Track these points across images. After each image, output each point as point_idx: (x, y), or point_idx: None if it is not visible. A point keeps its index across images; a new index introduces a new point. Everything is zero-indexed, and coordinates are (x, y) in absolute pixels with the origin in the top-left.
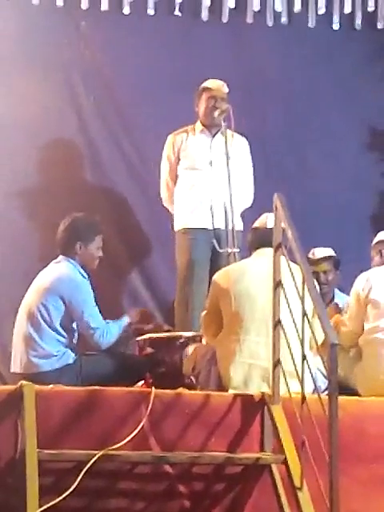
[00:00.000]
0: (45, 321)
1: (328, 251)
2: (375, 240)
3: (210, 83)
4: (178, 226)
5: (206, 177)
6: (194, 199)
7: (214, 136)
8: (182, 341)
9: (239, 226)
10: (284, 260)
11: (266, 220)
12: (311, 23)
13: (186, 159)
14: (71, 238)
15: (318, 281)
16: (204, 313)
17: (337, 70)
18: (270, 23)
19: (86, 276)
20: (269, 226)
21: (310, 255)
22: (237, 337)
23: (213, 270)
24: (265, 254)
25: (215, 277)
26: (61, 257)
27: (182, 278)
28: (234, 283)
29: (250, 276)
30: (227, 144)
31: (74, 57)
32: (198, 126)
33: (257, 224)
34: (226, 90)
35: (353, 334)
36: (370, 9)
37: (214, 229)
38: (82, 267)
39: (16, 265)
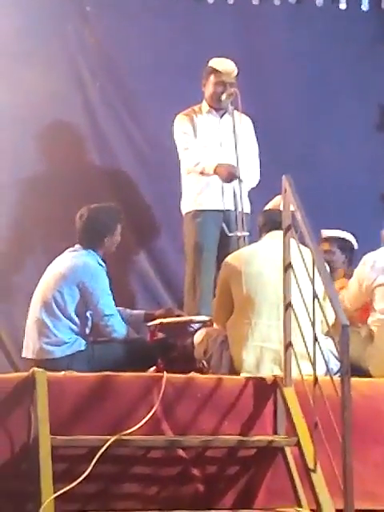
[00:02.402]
0: (59, 308)
1: (335, 232)
2: None
3: (220, 65)
4: (186, 208)
5: (217, 156)
6: (203, 180)
7: (221, 116)
8: (195, 327)
9: (247, 208)
10: (294, 242)
11: (280, 202)
12: (319, 2)
13: (196, 140)
14: (96, 233)
15: None
16: (216, 297)
17: (345, 51)
18: (277, 2)
19: (104, 265)
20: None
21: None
22: (248, 320)
23: (221, 253)
24: (277, 237)
25: (225, 261)
26: (77, 245)
27: (190, 262)
28: (245, 267)
29: (262, 259)
30: (235, 126)
31: (79, 43)
32: (205, 106)
33: (269, 206)
34: (236, 72)
35: (348, 312)
36: None
37: (224, 210)
38: (100, 257)
39: (26, 253)
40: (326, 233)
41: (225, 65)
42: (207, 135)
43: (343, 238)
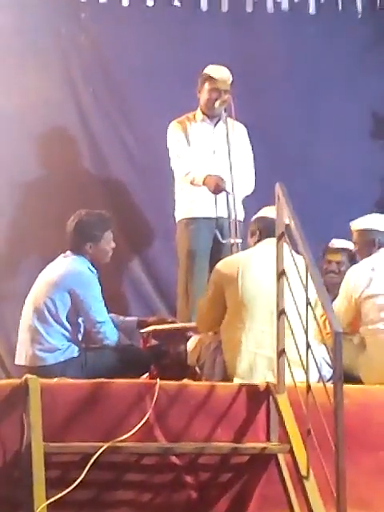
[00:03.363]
0: (51, 314)
1: (346, 243)
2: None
3: (215, 72)
4: (179, 215)
5: (210, 165)
6: (196, 188)
7: (215, 124)
8: (189, 334)
9: (241, 216)
10: (288, 249)
11: (270, 211)
12: (312, 10)
13: (188, 148)
14: (81, 239)
15: (329, 269)
16: (202, 301)
17: (339, 56)
18: (270, 10)
19: (95, 271)
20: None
21: (330, 244)
22: (242, 325)
23: (214, 260)
24: (272, 244)
25: (219, 265)
26: (69, 252)
27: (182, 269)
28: (241, 272)
29: (257, 265)
30: (228, 133)
31: (74, 48)
32: (199, 114)
33: (264, 214)
34: (231, 80)
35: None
36: None
37: (217, 218)
38: (91, 263)
39: (20, 258)
40: (336, 244)
41: (220, 72)
42: (200, 144)
43: (352, 250)
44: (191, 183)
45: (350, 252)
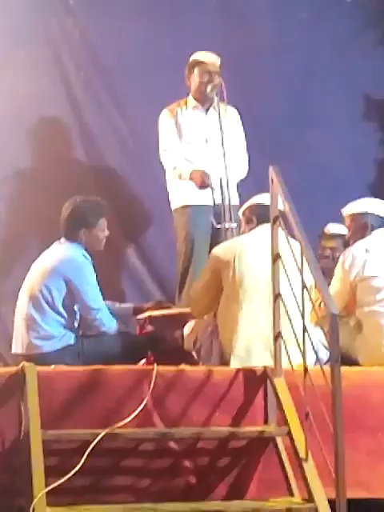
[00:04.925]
0: (47, 302)
1: (341, 229)
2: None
3: (203, 56)
4: (176, 203)
5: (203, 153)
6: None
7: (207, 111)
8: None
9: (235, 200)
10: (282, 233)
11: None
12: None
13: (181, 136)
14: (74, 224)
15: (324, 255)
16: (196, 286)
17: (330, 40)
18: None
19: (89, 258)
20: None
21: (325, 230)
22: (239, 306)
23: (211, 246)
24: (268, 229)
25: (216, 250)
26: (63, 239)
27: (181, 254)
28: (238, 255)
29: (254, 249)
30: (221, 119)
31: (63, 36)
32: (191, 100)
33: (260, 201)
34: (219, 62)
35: None
36: None
37: (214, 205)
38: (85, 249)
39: (15, 247)
40: (331, 229)
41: (208, 56)
42: (192, 131)
43: (345, 235)
44: (179, 178)
45: (344, 238)
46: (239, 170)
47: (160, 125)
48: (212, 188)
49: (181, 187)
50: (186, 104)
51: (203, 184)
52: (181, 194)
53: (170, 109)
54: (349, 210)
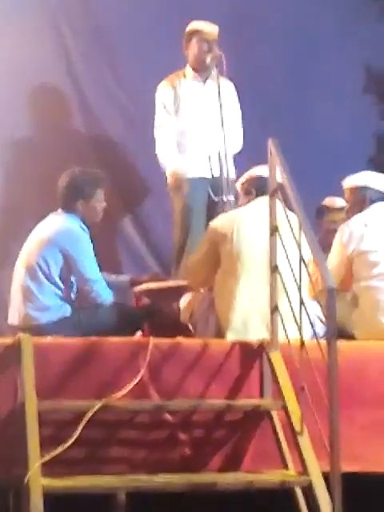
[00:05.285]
0: (43, 273)
1: (343, 201)
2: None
3: (201, 25)
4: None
5: (201, 124)
6: (189, 148)
7: (205, 81)
8: None
9: (232, 173)
10: (281, 206)
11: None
12: None
13: (179, 107)
14: (72, 194)
15: (332, 228)
16: (194, 258)
17: (333, 10)
18: None
19: (86, 229)
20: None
21: (329, 203)
22: (236, 280)
23: (208, 218)
24: (266, 202)
25: (214, 223)
26: (60, 210)
27: (178, 226)
28: (236, 228)
29: (252, 222)
30: (220, 91)
31: (62, 5)
32: (189, 71)
33: (259, 173)
34: (217, 31)
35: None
36: None
37: (212, 178)
38: (82, 221)
39: (12, 219)
40: (338, 202)
41: (206, 25)
42: (191, 102)
43: None
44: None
45: None
46: (234, 144)
47: (157, 97)
48: (209, 160)
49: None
50: (184, 75)
51: (174, 188)
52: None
53: (169, 79)
54: (348, 183)
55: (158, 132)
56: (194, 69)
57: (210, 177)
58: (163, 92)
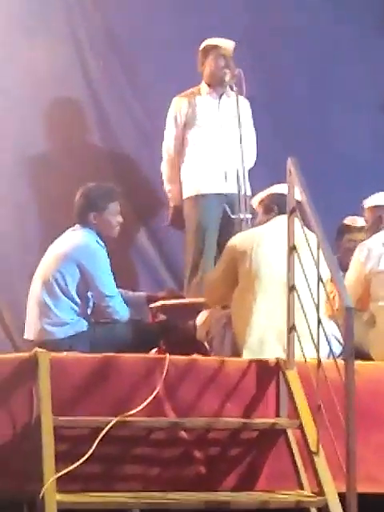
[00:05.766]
0: (60, 288)
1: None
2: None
3: (218, 41)
4: (188, 192)
5: (216, 140)
6: (205, 164)
7: (220, 97)
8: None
9: (248, 191)
10: (299, 225)
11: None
12: None
13: (194, 123)
14: (85, 208)
15: (349, 248)
16: (212, 276)
17: (355, 25)
18: None
19: (103, 244)
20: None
21: (350, 222)
22: (254, 298)
23: (223, 235)
24: (286, 220)
25: (233, 240)
26: (77, 225)
27: (191, 244)
28: (255, 246)
29: (271, 240)
30: (239, 107)
31: (82, 18)
32: (204, 87)
33: (281, 191)
34: (233, 47)
35: None
36: None
37: (227, 194)
38: (98, 235)
39: (29, 232)
40: (360, 222)
41: (222, 40)
42: (206, 118)
43: None
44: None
45: None
46: (248, 160)
47: (170, 111)
48: (178, 229)
49: (193, 174)
50: (199, 91)
51: (172, 222)
52: (193, 181)
53: (184, 95)
54: (368, 203)
55: (163, 166)
56: (209, 85)
57: (225, 193)
58: (176, 105)
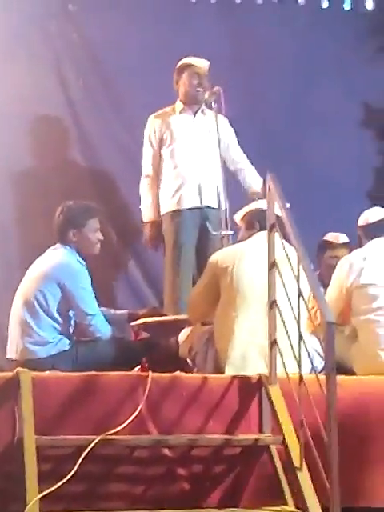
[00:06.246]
0: (41, 307)
1: (346, 238)
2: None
3: (193, 60)
4: (164, 209)
5: (191, 156)
6: (179, 180)
7: (195, 114)
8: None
9: (224, 206)
10: (279, 241)
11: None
12: (301, 0)
13: (169, 141)
14: (64, 226)
15: (332, 264)
16: (194, 292)
17: (330, 48)
18: (259, 1)
19: (84, 262)
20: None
21: (331, 238)
22: (236, 314)
23: (201, 251)
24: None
25: (215, 256)
26: (58, 244)
27: (169, 262)
28: (237, 262)
29: (253, 256)
30: (218, 124)
31: (62, 40)
32: (178, 105)
33: (262, 206)
34: (208, 67)
35: None
36: None
37: (203, 207)
38: (79, 253)
39: (11, 251)
40: (343, 238)
41: (197, 59)
42: (181, 135)
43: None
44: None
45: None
46: (253, 175)
47: (146, 131)
48: (156, 249)
49: (169, 190)
50: (173, 110)
51: (148, 242)
52: (169, 197)
53: (157, 115)
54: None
55: (141, 183)
56: (184, 103)
57: (201, 206)
58: (150, 125)
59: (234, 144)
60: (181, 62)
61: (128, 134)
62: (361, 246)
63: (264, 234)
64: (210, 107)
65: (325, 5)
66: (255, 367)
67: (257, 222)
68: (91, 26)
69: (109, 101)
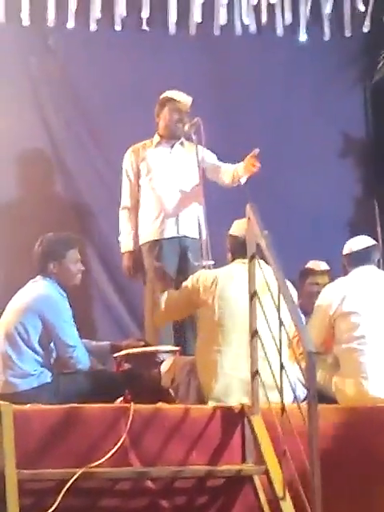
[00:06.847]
0: (22, 340)
1: (326, 265)
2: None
3: (176, 94)
4: (143, 239)
5: (168, 187)
6: (157, 210)
7: (172, 147)
8: (162, 357)
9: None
10: (260, 270)
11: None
12: (279, 32)
13: (146, 173)
14: (44, 258)
15: (317, 291)
16: (170, 295)
17: (308, 79)
18: (238, 33)
19: (64, 294)
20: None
21: (313, 266)
22: (218, 347)
23: (183, 281)
24: (246, 264)
25: (201, 274)
26: (38, 276)
27: (149, 291)
28: (219, 291)
29: (235, 286)
30: (198, 155)
31: (43, 74)
32: (156, 138)
33: (236, 232)
34: (190, 103)
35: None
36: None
37: (180, 237)
38: (60, 285)
39: None
40: (322, 266)
41: (180, 94)
42: (158, 168)
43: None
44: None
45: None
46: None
47: (124, 164)
48: (136, 279)
49: (146, 220)
50: (151, 143)
51: (126, 272)
52: (147, 227)
53: (134, 149)
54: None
55: (120, 215)
56: (161, 136)
57: (179, 235)
58: (127, 159)
59: (215, 160)
60: (164, 95)
61: (109, 168)
62: (345, 274)
63: (244, 260)
64: (189, 139)
65: (303, 38)
66: (238, 401)
67: (235, 249)
68: (71, 60)
69: (90, 135)
